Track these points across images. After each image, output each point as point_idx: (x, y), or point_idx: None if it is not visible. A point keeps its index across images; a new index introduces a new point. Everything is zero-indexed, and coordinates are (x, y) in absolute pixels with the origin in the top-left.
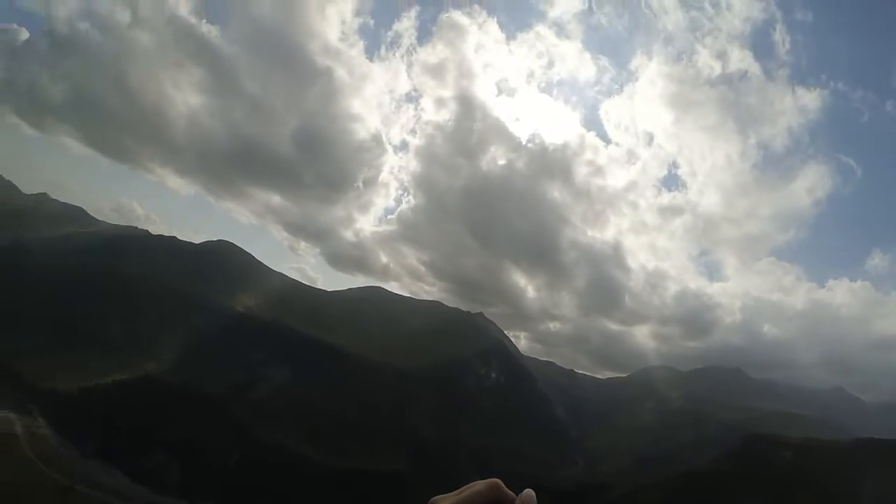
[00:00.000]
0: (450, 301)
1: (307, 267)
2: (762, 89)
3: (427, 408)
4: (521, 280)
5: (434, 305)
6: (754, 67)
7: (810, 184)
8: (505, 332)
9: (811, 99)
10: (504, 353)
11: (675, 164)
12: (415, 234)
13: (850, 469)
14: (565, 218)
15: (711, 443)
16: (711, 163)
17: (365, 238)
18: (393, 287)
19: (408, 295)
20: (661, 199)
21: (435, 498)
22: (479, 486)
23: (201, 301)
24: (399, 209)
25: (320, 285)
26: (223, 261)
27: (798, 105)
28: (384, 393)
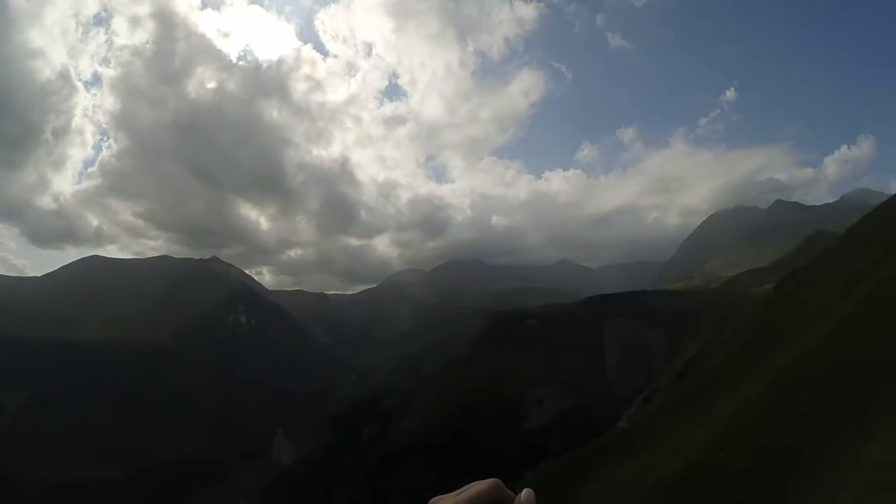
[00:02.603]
0: (179, 252)
1: (9, 254)
2: (482, 1)
3: (191, 377)
4: (252, 213)
5: (162, 262)
6: None
7: (526, 88)
8: (246, 271)
9: (528, 11)
10: (250, 294)
11: (395, 75)
12: (124, 184)
13: (589, 322)
14: (288, 139)
15: (468, 329)
16: (432, 71)
17: (67, 202)
18: (111, 252)
19: (131, 257)
20: (384, 109)
21: (435, 498)
22: (479, 486)
23: None
24: (101, 158)
25: (29, 273)
26: None
27: (516, 16)
28: (137, 378)
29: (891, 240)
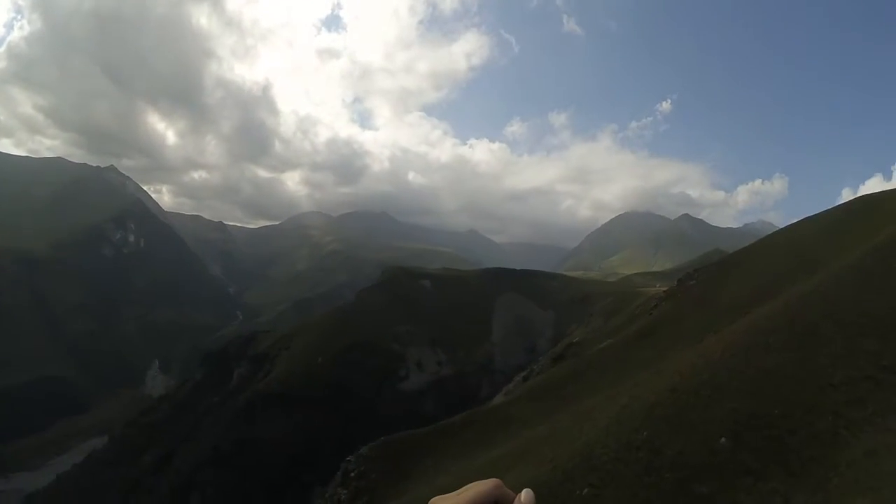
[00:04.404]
0: (77, 156)
1: None
2: None
3: (66, 294)
4: (160, 125)
5: (55, 163)
6: None
7: (470, 50)
8: (143, 187)
9: None
10: (143, 212)
11: (339, 5)
12: (30, 72)
13: (482, 292)
14: (212, 51)
15: (364, 281)
16: (379, 11)
17: None
18: (4, 146)
19: (24, 154)
20: (320, 39)
21: (435, 498)
22: (480, 486)
23: None
24: (9, 39)
25: None
26: None
27: None
28: (4, 288)
29: (798, 249)
